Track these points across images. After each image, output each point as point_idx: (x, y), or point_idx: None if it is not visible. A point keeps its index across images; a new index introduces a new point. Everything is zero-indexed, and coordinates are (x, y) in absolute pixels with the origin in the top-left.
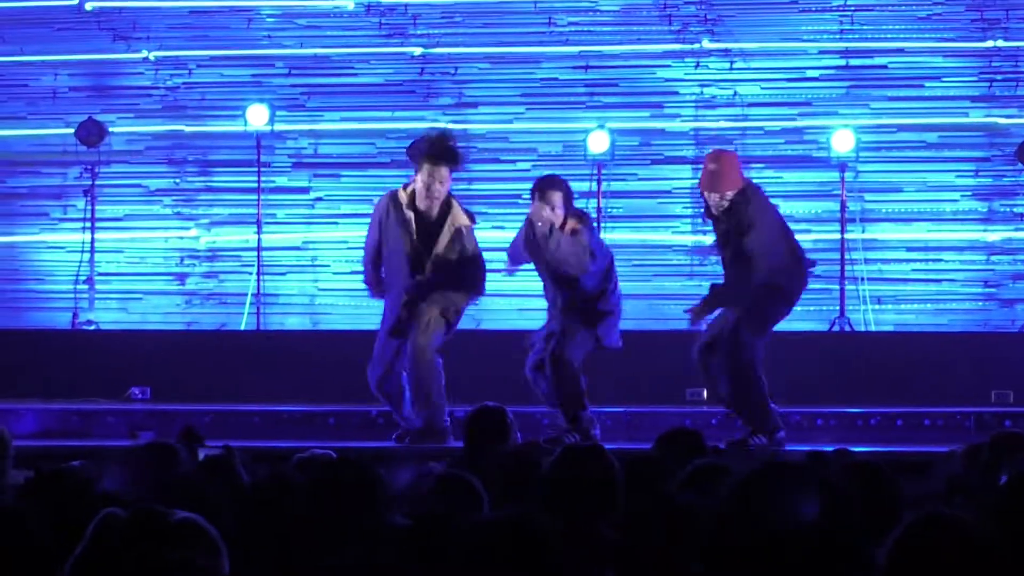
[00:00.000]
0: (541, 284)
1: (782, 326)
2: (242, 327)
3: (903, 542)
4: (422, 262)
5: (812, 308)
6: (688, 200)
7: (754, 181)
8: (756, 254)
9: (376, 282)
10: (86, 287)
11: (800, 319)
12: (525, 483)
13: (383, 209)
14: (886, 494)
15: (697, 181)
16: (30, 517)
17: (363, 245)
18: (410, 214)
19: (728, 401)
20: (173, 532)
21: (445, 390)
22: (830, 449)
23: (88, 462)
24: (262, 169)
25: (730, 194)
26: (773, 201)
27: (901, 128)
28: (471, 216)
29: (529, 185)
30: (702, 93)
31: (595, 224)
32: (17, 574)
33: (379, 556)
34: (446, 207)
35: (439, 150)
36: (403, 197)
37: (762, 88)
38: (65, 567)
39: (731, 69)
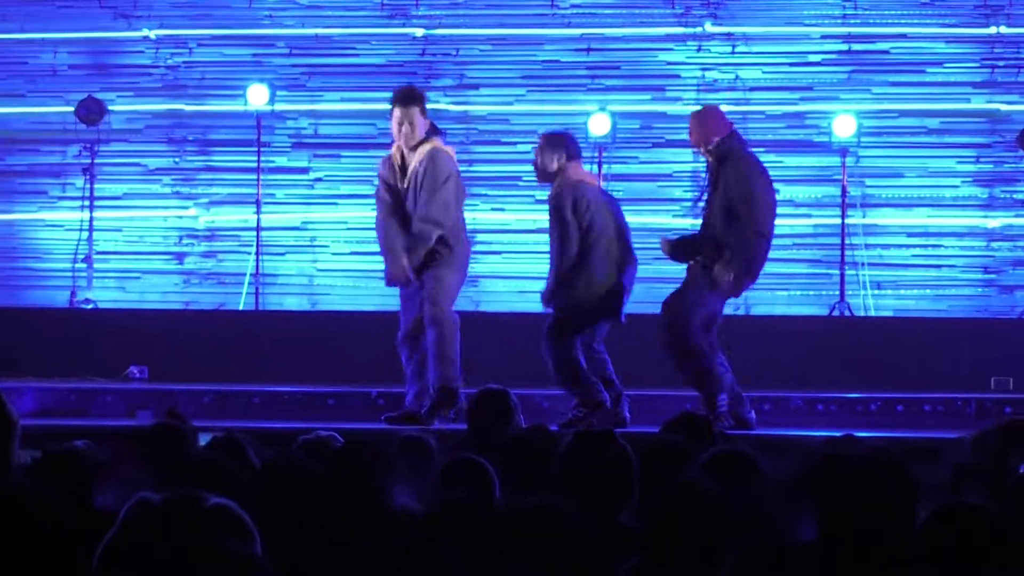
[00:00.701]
0: (538, 266)
1: (781, 310)
2: (240, 307)
3: (933, 530)
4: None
5: (812, 293)
6: (689, 183)
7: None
8: (751, 201)
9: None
10: (84, 266)
11: (800, 304)
12: (538, 468)
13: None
14: (903, 482)
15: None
16: (52, 500)
17: (361, 226)
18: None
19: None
20: (207, 517)
21: (459, 351)
22: (838, 435)
23: (91, 442)
24: (262, 149)
25: (716, 139)
26: (776, 186)
27: (902, 114)
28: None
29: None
30: (704, 77)
31: None
32: (42, 559)
33: (396, 541)
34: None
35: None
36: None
37: (764, 72)
38: (96, 551)
39: (733, 53)
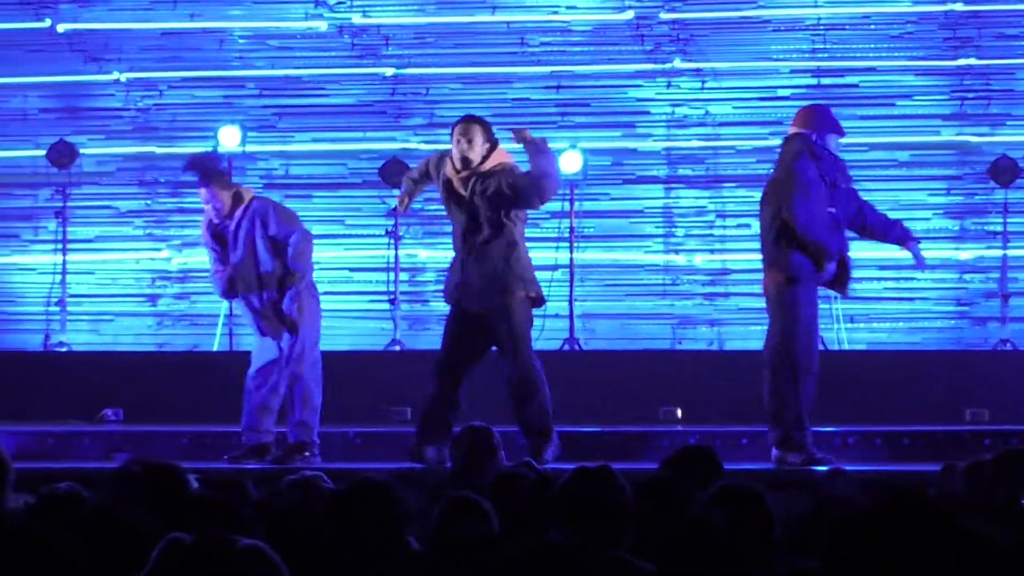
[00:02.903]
0: None
1: (755, 345)
2: (214, 348)
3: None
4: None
5: None
6: (660, 219)
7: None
8: None
9: None
10: (58, 309)
11: None
12: (533, 505)
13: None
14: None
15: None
16: (65, 541)
17: (333, 266)
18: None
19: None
20: (239, 559)
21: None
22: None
23: (75, 483)
24: None
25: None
26: (748, 221)
27: (873, 147)
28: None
29: None
30: (674, 112)
31: None
32: None
33: None
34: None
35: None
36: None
37: (733, 107)
38: None
39: (703, 88)
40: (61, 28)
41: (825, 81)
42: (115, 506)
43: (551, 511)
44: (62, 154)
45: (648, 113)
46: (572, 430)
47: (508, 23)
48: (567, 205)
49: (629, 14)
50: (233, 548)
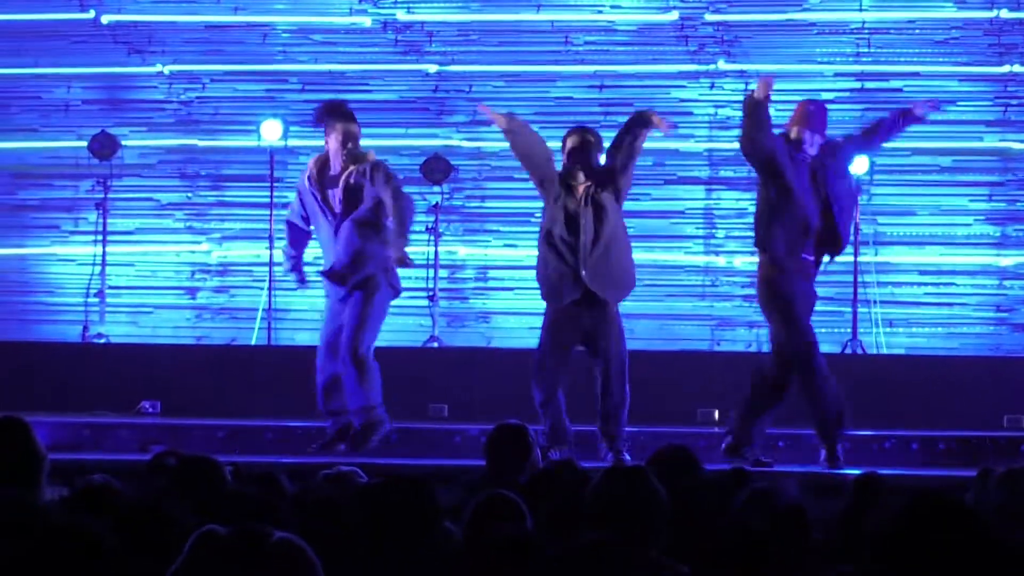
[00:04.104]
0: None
1: None
2: (253, 342)
3: None
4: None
5: (824, 330)
6: (701, 221)
7: None
8: None
9: None
10: (97, 300)
11: None
12: (569, 504)
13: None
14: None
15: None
16: (102, 536)
17: None
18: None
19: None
20: (273, 552)
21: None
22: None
23: (107, 476)
24: (275, 184)
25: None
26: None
27: (915, 152)
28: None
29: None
30: (716, 114)
31: None
32: None
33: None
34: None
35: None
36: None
37: (777, 110)
38: None
39: (746, 90)
40: (105, 20)
41: (869, 85)
42: (150, 498)
43: (584, 511)
44: (104, 146)
45: (691, 114)
46: None
47: (552, 22)
48: None
49: (674, 15)
50: (267, 540)
